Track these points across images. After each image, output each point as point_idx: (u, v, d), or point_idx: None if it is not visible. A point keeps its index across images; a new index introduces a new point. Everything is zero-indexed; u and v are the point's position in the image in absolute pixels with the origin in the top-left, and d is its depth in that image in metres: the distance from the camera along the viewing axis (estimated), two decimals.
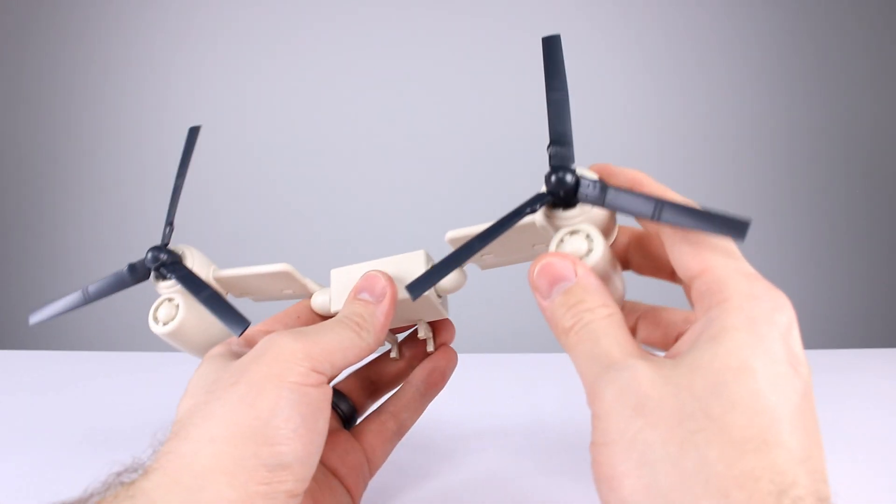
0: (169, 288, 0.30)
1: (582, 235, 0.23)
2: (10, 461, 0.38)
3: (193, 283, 0.29)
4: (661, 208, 0.21)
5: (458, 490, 0.33)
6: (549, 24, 1.41)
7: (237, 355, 0.25)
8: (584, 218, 0.23)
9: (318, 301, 0.30)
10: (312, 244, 1.33)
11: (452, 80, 1.42)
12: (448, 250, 0.25)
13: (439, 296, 0.28)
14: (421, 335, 0.29)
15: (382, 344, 0.27)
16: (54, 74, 1.49)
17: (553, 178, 0.23)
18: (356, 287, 0.27)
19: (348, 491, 0.27)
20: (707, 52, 1.41)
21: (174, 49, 1.47)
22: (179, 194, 0.33)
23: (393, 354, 0.31)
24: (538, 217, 0.24)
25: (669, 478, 0.17)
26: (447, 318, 0.30)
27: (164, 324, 0.29)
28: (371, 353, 0.26)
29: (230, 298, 0.32)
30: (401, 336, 0.32)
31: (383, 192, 1.41)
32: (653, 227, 0.24)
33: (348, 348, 0.24)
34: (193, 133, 0.33)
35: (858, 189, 1.43)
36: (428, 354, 0.31)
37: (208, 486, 0.20)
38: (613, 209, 0.22)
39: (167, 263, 0.30)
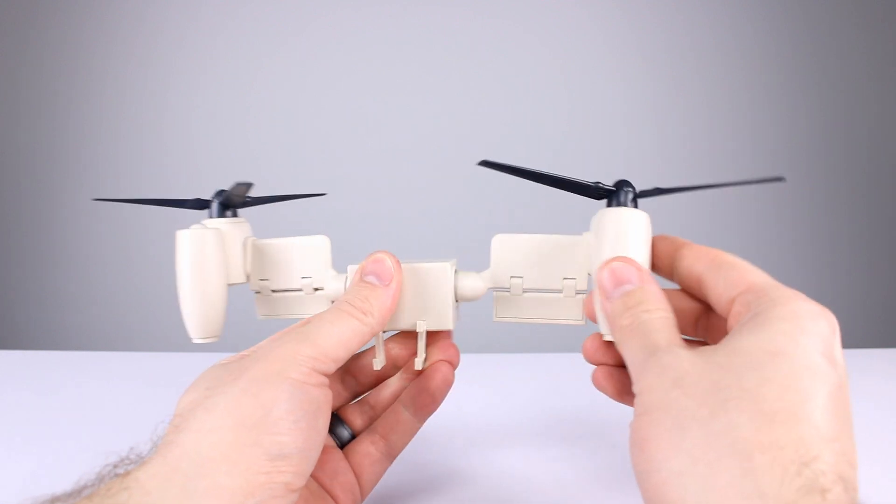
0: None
1: None
2: (10, 461, 0.38)
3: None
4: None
5: (459, 494, 0.33)
6: (552, 25, 1.41)
7: None
8: None
9: (332, 288, 0.29)
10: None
11: (454, 79, 1.42)
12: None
13: (456, 300, 0.28)
14: (418, 366, 0.28)
15: (385, 328, 0.27)
16: (54, 74, 1.49)
17: (620, 182, 0.26)
18: (362, 268, 0.27)
19: None
20: (707, 52, 1.41)
21: (174, 49, 1.47)
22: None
23: (378, 362, 0.28)
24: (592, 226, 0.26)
25: (696, 437, 0.18)
26: (449, 339, 0.29)
27: None
28: (373, 336, 0.26)
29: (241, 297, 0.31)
30: (388, 333, 0.31)
31: (392, 194, 1.41)
32: (692, 253, 0.25)
33: (350, 339, 0.24)
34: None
35: (859, 189, 1.43)
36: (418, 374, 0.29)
37: (207, 475, 0.20)
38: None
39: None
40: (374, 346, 0.28)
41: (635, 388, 0.21)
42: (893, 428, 0.42)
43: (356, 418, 0.30)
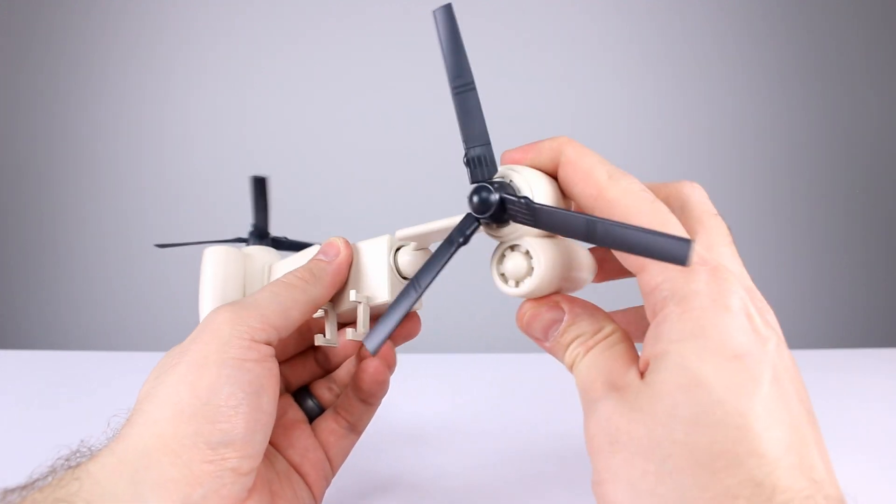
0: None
1: (521, 252, 0.21)
2: (10, 461, 0.38)
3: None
4: (594, 229, 0.18)
5: (436, 490, 0.33)
6: (549, 24, 1.41)
7: None
8: (522, 231, 0.21)
9: None
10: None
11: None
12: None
13: (404, 277, 0.27)
14: (348, 336, 0.26)
15: (330, 297, 0.27)
16: (54, 74, 1.49)
17: (475, 199, 0.20)
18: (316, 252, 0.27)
19: (309, 488, 0.27)
20: (707, 52, 1.41)
21: (173, 49, 1.47)
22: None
23: (319, 338, 0.27)
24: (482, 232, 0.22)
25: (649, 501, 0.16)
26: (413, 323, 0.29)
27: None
28: (319, 307, 0.26)
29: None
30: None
31: (383, 193, 1.41)
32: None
33: (290, 307, 0.24)
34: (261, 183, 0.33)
35: (858, 189, 1.43)
36: (360, 360, 0.29)
37: (152, 467, 0.20)
38: (548, 230, 0.19)
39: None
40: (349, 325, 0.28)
41: (587, 447, 0.19)
42: (893, 428, 0.42)
43: (324, 392, 0.30)
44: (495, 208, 0.20)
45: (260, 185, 0.31)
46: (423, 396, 0.49)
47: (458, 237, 0.20)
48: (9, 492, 0.21)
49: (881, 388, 0.50)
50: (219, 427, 0.21)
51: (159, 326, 1.36)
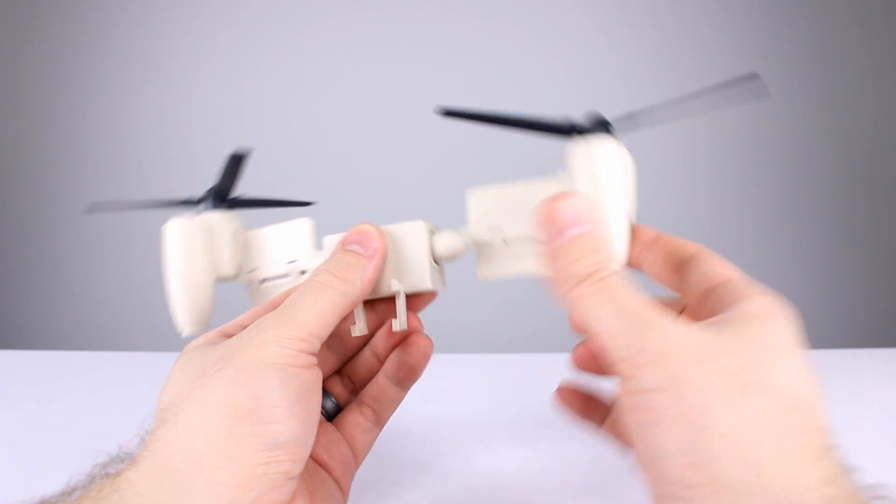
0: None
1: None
2: (11, 461, 0.38)
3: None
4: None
5: (452, 489, 0.33)
6: (550, 23, 1.41)
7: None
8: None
9: (315, 266, 0.29)
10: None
11: (450, 78, 1.42)
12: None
13: (436, 262, 0.27)
14: (395, 328, 0.27)
15: (367, 297, 0.26)
16: (54, 75, 1.49)
17: (593, 116, 0.24)
18: (345, 238, 0.26)
19: (337, 483, 0.27)
20: (707, 52, 1.41)
21: (173, 49, 1.47)
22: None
23: (357, 329, 0.27)
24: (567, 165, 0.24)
25: (724, 417, 0.17)
26: (428, 302, 0.29)
27: None
28: (354, 307, 0.26)
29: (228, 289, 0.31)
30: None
31: (385, 190, 1.41)
32: (677, 243, 0.25)
33: (330, 314, 0.24)
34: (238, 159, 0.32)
35: (858, 188, 1.43)
36: (398, 343, 0.29)
37: (201, 471, 0.19)
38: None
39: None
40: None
41: (633, 358, 0.19)
42: (893, 428, 0.42)
43: (338, 389, 0.30)
44: (605, 120, 0.24)
45: (237, 160, 0.31)
46: (429, 395, 0.48)
47: (565, 126, 0.24)
48: (46, 501, 0.20)
49: (881, 388, 0.50)
50: (274, 428, 0.20)
51: (159, 326, 1.36)
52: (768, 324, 0.20)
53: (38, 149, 1.50)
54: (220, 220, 0.31)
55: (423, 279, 0.26)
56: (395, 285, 0.26)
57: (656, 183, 1.40)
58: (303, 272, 0.30)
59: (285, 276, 0.31)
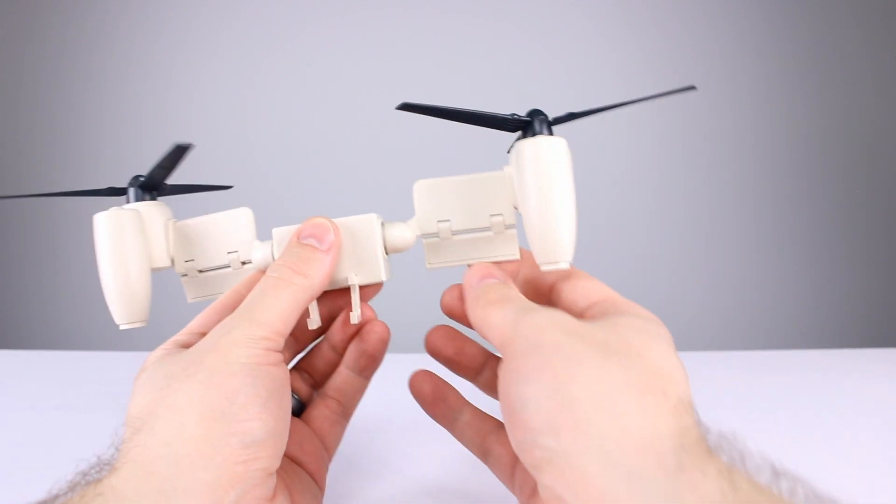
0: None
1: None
2: (10, 461, 0.38)
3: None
4: None
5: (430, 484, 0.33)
6: (550, 23, 1.40)
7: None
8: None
9: (259, 256, 0.28)
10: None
11: (451, 78, 1.42)
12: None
13: (387, 252, 0.28)
14: (353, 320, 0.27)
15: (324, 289, 0.26)
16: (54, 74, 1.49)
17: (533, 111, 0.26)
18: (300, 231, 0.26)
19: (312, 477, 0.27)
20: (706, 52, 1.41)
21: (172, 49, 1.47)
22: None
23: (312, 322, 0.28)
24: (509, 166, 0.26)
25: (593, 372, 0.19)
26: (376, 293, 0.29)
27: None
28: (312, 301, 0.26)
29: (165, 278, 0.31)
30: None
31: (386, 190, 1.41)
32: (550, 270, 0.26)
33: (291, 311, 0.24)
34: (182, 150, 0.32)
35: (858, 188, 1.43)
36: (355, 334, 0.29)
37: (183, 473, 0.20)
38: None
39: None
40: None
41: (510, 336, 0.21)
42: (893, 428, 0.42)
43: (297, 384, 0.30)
44: (547, 117, 0.27)
45: (180, 152, 0.31)
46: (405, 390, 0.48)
47: (507, 120, 0.26)
48: None
49: (881, 388, 0.50)
50: (249, 425, 0.21)
51: (159, 326, 1.36)
52: (643, 321, 0.22)
53: (38, 149, 1.50)
54: (149, 211, 0.31)
55: (377, 271, 0.27)
56: (353, 278, 0.27)
57: (656, 183, 1.40)
58: (244, 263, 0.30)
59: (226, 266, 0.30)
